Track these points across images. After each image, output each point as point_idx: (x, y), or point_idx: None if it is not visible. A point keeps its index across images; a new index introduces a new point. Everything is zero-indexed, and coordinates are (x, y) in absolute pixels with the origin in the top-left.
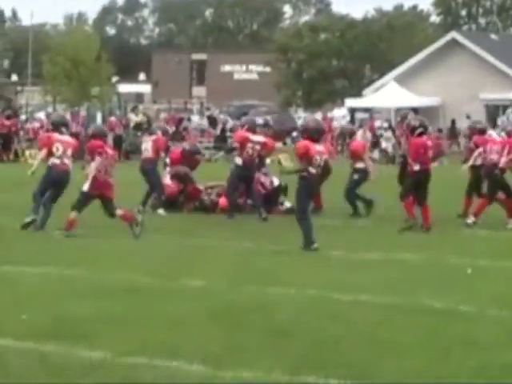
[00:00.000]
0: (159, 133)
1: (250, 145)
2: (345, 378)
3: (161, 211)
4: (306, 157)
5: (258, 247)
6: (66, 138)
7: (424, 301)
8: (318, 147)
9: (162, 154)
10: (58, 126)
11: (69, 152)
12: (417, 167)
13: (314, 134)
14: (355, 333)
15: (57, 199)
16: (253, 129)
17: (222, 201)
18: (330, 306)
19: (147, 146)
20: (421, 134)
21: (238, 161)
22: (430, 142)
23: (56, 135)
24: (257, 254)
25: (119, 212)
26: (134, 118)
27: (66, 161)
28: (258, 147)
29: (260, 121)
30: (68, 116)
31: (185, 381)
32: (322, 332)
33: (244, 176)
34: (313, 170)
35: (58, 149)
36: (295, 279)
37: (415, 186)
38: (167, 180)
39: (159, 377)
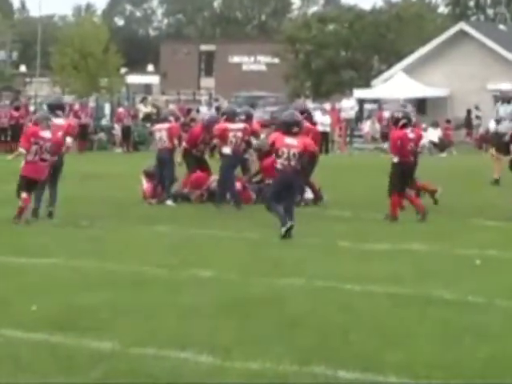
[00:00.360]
0: (172, 119)
1: (231, 134)
2: (353, 368)
3: (169, 202)
4: (273, 149)
5: (268, 238)
6: (59, 121)
7: (433, 291)
8: (289, 140)
9: (176, 142)
10: (52, 109)
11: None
12: (395, 159)
13: (283, 126)
14: (364, 323)
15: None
16: (231, 118)
17: None
18: (339, 296)
19: (162, 135)
20: (404, 126)
21: (227, 150)
22: (412, 135)
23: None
24: (267, 244)
25: (23, 195)
26: (143, 109)
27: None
28: (239, 134)
29: (242, 116)
30: (77, 106)
31: (193, 372)
32: (331, 323)
33: (235, 165)
34: (284, 162)
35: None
36: (305, 270)
37: (398, 179)
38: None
39: (168, 368)
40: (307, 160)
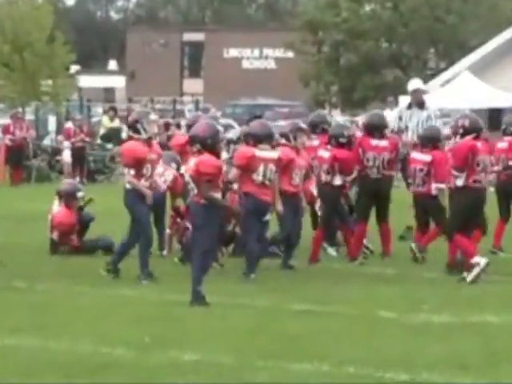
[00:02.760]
0: None
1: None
2: None
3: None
4: None
5: (276, 306)
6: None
7: (509, 380)
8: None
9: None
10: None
11: None
12: None
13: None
14: None
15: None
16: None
17: None
18: None
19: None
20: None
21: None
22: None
23: None
24: (275, 315)
25: None
26: (106, 124)
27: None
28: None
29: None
30: (8, 120)
31: None
32: None
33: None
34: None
35: None
36: (330, 351)
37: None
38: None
39: None
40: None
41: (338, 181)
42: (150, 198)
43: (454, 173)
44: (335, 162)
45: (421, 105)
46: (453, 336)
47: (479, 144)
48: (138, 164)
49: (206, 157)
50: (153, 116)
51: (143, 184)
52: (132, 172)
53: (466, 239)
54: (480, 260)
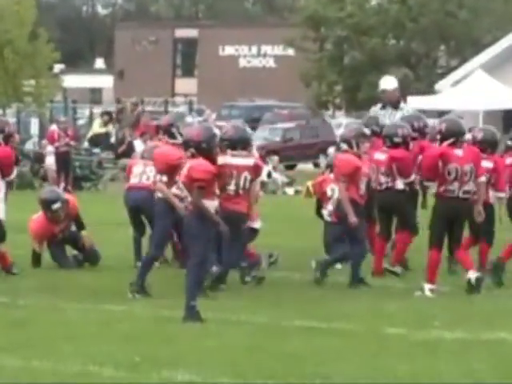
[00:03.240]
0: None
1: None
2: None
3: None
4: None
5: (276, 322)
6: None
7: None
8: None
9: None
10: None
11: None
12: None
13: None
14: None
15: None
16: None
17: None
18: None
19: (147, 169)
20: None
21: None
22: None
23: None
24: (275, 332)
25: None
26: (95, 129)
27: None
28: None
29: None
30: None
31: None
32: None
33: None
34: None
35: None
36: (334, 370)
37: None
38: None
39: None
40: None
41: (400, 185)
42: (182, 211)
43: (424, 183)
44: (393, 163)
45: (395, 105)
46: (466, 354)
47: (457, 151)
48: (171, 170)
49: (198, 162)
50: (189, 119)
51: (174, 192)
52: (164, 179)
53: (437, 258)
54: (427, 288)
